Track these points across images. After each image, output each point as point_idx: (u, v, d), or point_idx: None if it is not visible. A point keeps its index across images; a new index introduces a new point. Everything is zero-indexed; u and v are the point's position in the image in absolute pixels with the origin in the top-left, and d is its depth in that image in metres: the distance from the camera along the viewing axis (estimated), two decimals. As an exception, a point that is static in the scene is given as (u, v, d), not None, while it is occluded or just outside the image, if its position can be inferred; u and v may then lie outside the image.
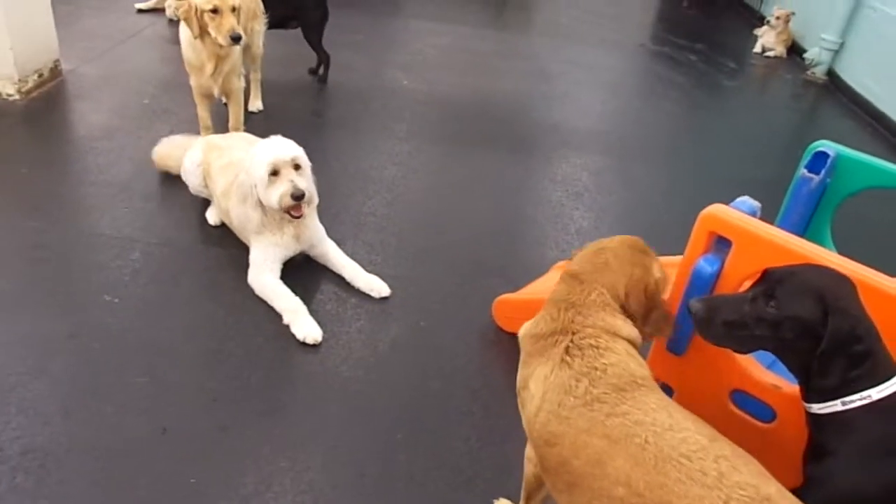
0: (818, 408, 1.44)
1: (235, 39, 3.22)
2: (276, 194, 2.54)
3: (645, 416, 1.38)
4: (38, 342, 2.34)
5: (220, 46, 3.25)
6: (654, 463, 1.31)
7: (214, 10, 3.16)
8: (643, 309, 1.66)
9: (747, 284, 1.78)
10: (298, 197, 2.53)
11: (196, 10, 3.15)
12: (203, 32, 3.21)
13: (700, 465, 1.29)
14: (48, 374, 2.23)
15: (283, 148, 2.59)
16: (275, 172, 2.54)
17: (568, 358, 1.50)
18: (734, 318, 1.49)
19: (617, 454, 1.34)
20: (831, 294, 1.42)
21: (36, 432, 2.02)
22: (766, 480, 1.28)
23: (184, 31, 3.37)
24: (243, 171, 2.63)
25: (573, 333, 1.54)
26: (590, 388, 1.44)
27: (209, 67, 3.37)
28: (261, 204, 2.60)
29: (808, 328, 1.41)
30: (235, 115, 3.67)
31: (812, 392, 1.45)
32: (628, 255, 1.74)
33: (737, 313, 1.49)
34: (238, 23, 3.24)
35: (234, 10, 3.21)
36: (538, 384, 1.51)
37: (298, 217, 2.61)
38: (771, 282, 1.49)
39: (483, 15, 7.20)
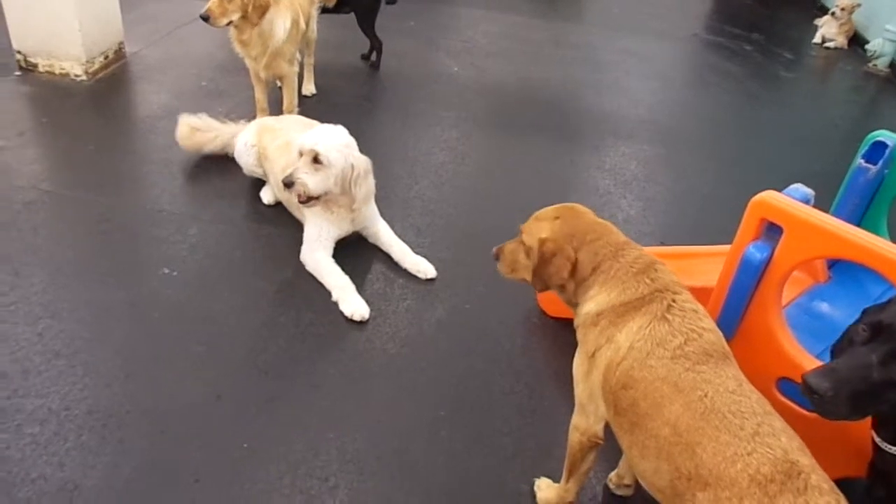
0: None
1: (203, 19, 3.24)
2: (282, 174, 2.64)
3: (716, 378, 1.47)
4: (102, 310, 2.46)
5: (243, 31, 3.35)
6: (703, 412, 1.41)
7: None
8: None
9: (795, 274, 1.77)
10: (287, 184, 2.59)
11: None
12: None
13: (741, 422, 1.38)
14: (111, 340, 2.34)
15: (314, 136, 2.63)
16: (301, 154, 2.61)
17: (669, 315, 1.58)
18: (863, 387, 1.31)
19: (677, 400, 1.45)
20: None
21: (100, 394, 2.13)
22: (800, 452, 1.33)
23: None
24: None
25: (674, 294, 1.63)
26: (683, 345, 1.53)
27: (237, 48, 3.48)
28: None
29: None
30: (289, 98, 3.75)
31: None
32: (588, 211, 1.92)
33: (865, 382, 1.31)
34: (247, 9, 3.27)
35: None
36: (628, 335, 1.59)
37: (300, 202, 2.67)
38: (894, 338, 1.33)
39: (534, 4, 7.16)
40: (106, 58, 4.18)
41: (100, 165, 3.31)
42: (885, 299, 2.12)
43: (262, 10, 3.31)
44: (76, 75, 4.02)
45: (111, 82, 4.11)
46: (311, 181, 2.59)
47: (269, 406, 2.18)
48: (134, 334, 2.38)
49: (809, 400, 1.34)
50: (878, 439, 1.45)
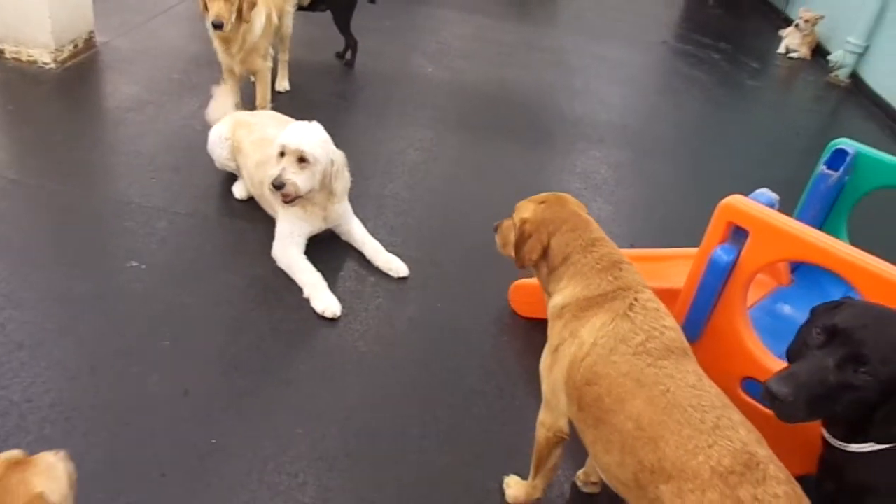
0: (864, 447, 1.42)
1: (216, 26, 3.25)
2: (268, 175, 2.60)
3: (677, 373, 1.51)
4: (67, 302, 2.42)
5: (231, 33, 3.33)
6: (665, 406, 1.45)
7: None
8: None
9: (760, 277, 1.82)
10: (277, 186, 2.56)
11: None
12: (204, 10, 3.28)
13: (702, 415, 1.41)
14: (76, 332, 2.30)
15: (297, 135, 2.61)
16: (282, 153, 2.59)
17: (631, 313, 1.62)
18: (820, 391, 1.36)
19: (639, 395, 1.49)
20: None
21: (63, 387, 2.10)
22: (759, 444, 1.37)
23: None
24: None
25: (637, 292, 1.67)
26: (645, 342, 1.57)
27: (217, 45, 3.46)
28: None
29: (892, 386, 1.35)
30: (262, 93, 3.72)
31: (859, 434, 1.42)
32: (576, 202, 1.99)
33: (823, 385, 1.36)
34: (243, 9, 3.27)
35: None
36: (591, 332, 1.63)
37: (285, 202, 2.64)
38: (850, 342, 1.37)
39: (508, 7, 7.21)
40: (75, 46, 4.10)
41: (68, 155, 3.25)
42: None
43: (253, 6, 3.34)
44: (44, 63, 3.94)
45: (80, 71, 4.04)
46: (300, 181, 2.58)
47: (237, 402, 2.16)
48: (100, 327, 2.34)
49: (770, 405, 1.40)
50: (828, 436, 1.51)
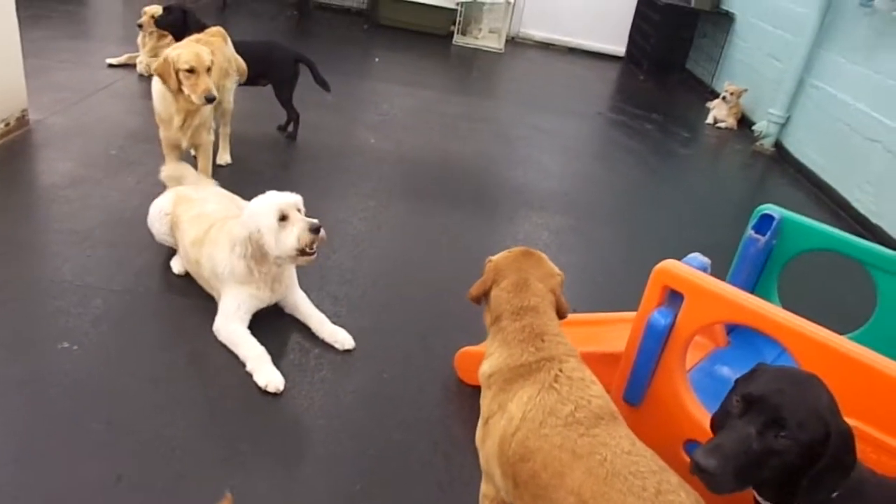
0: None
1: (209, 100, 3.31)
2: (293, 235, 2.56)
3: (610, 440, 1.51)
4: (-8, 388, 2.30)
5: (192, 103, 3.33)
6: (606, 476, 1.44)
7: (191, 70, 3.25)
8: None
9: (698, 339, 1.86)
10: (317, 229, 2.56)
11: (173, 66, 3.24)
12: (178, 89, 3.29)
13: (643, 482, 1.42)
14: (1, 417, 2.18)
15: (285, 195, 2.64)
16: (283, 218, 2.58)
17: (556, 385, 1.63)
18: (746, 460, 1.39)
19: (577, 467, 1.48)
20: (828, 409, 1.40)
21: (-15, 479, 1.97)
22: None
23: (156, 84, 3.43)
24: (237, 224, 2.66)
25: (560, 363, 1.68)
26: (574, 412, 1.57)
27: (177, 120, 3.44)
28: (253, 254, 2.63)
29: (815, 450, 1.38)
30: (203, 167, 3.71)
31: (789, 498, 1.43)
32: (544, 262, 1.97)
33: (747, 455, 1.39)
34: (211, 78, 3.33)
35: (209, 70, 3.30)
36: (519, 405, 1.62)
37: (313, 254, 2.62)
38: (767, 408, 1.40)
39: (449, 81, 7.45)
40: (7, 125, 4.03)
41: (-3, 234, 3.15)
42: (779, 362, 2.26)
43: (226, 76, 3.46)
44: (-27, 141, 3.86)
45: (12, 150, 3.95)
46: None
47: (175, 485, 2.07)
48: (27, 413, 2.23)
49: (700, 478, 1.41)
50: (760, 499, 1.52)
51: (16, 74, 4.10)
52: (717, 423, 1.52)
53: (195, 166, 3.73)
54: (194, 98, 3.29)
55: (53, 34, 6.12)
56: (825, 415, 1.40)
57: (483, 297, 1.94)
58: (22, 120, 4.17)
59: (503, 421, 1.64)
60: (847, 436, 1.40)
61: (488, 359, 1.80)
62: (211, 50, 3.44)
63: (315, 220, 2.59)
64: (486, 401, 1.75)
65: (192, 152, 3.81)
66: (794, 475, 1.40)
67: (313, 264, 2.75)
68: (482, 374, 1.79)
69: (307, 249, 2.60)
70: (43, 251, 3.12)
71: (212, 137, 3.74)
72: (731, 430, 1.43)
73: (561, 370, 1.66)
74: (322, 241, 2.62)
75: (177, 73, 3.25)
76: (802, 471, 1.39)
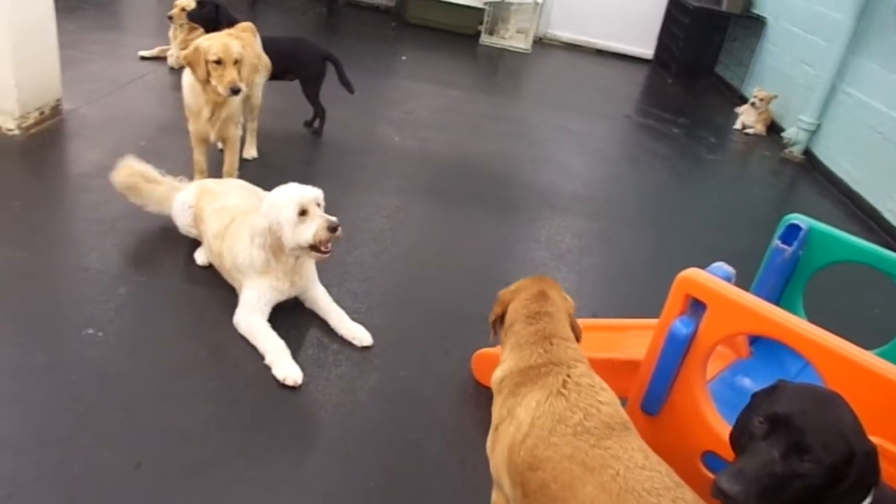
0: None
1: (234, 91, 3.34)
2: (310, 231, 2.58)
3: (623, 453, 1.48)
4: (17, 372, 2.34)
5: (219, 94, 3.36)
6: (619, 492, 1.41)
7: (218, 62, 3.28)
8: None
9: (720, 349, 1.84)
10: (335, 228, 2.59)
11: (203, 55, 3.27)
12: (207, 80, 3.32)
13: (658, 500, 1.39)
14: (24, 403, 2.22)
15: (306, 189, 2.66)
16: (303, 212, 2.60)
17: (565, 391, 1.60)
18: (768, 483, 1.37)
19: (589, 481, 1.44)
20: (852, 430, 1.39)
21: (7, 462, 2.01)
22: None
23: (186, 76, 3.48)
24: (258, 214, 2.68)
25: (569, 367, 1.66)
26: (583, 420, 1.54)
27: (206, 112, 3.48)
28: (272, 245, 2.65)
29: (839, 471, 1.36)
30: (230, 161, 3.74)
31: None
32: (559, 287, 1.96)
33: (771, 478, 1.37)
34: (240, 74, 3.36)
35: (236, 62, 3.33)
36: (528, 411, 1.60)
37: (328, 252, 2.65)
38: (792, 431, 1.38)
39: (475, 80, 7.44)
40: (41, 113, 4.10)
41: (26, 222, 3.20)
42: (802, 375, 2.23)
43: (255, 71, 3.47)
44: (8, 129, 3.92)
45: (45, 138, 4.02)
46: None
47: (192, 474, 2.09)
48: (50, 398, 2.26)
49: (723, 502, 1.38)
50: None
51: (52, 65, 4.17)
52: (738, 443, 1.50)
53: (222, 160, 3.77)
54: (220, 89, 3.32)
55: (88, 25, 6.21)
56: (849, 436, 1.37)
57: (499, 321, 1.92)
58: (56, 109, 4.24)
59: (512, 428, 1.62)
60: (871, 455, 1.37)
61: (501, 364, 1.79)
62: (241, 45, 3.47)
63: (334, 219, 2.61)
64: (496, 406, 1.73)
65: (220, 146, 3.85)
66: (816, 496, 1.38)
67: (326, 262, 2.78)
68: (493, 379, 1.78)
69: (322, 248, 2.62)
70: (71, 239, 3.17)
71: (239, 132, 3.77)
72: (754, 453, 1.40)
73: (569, 376, 1.64)
74: (338, 239, 2.64)
75: (206, 63, 3.29)
76: (825, 491, 1.37)
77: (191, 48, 3.35)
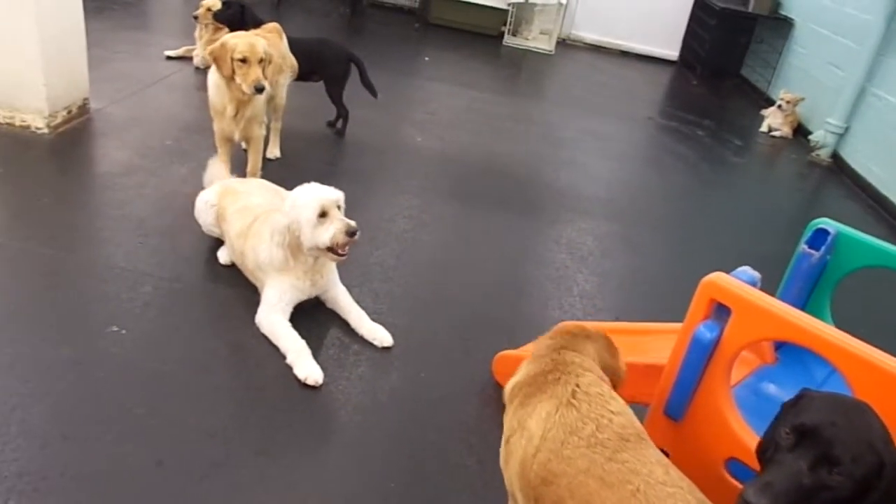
0: None
1: (259, 90, 3.36)
2: (328, 233, 2.60)
3: (642, 467, 1.43)
4: (43, 366, 2.37)
5: (244, 93, 3.38)
6: None
7: (243, 60, 3.31)
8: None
9: (744, 354, 1.81)
10: (353, 233, 2.61)
11: (230, 52, 3.30)
12: (231, 77, 3.35)
13: None
14: (50, 398, 2.25)
15: (328, 191, 2.68)
16: (323, 214, 2.61)
17: (575, 401, 1.56)
18: (796, 496, 1.34)
19: (608, 497, 1.40)
20: (881, 440, 1.36)
21: (33, 455, 2.03)
22: None
23: (212, 74, 3.50)
24: (279, 212, 2.69)
25: (577, 376, 1.62)
26: (596, 432, 1.49)
27: (230, 110, 3.50)
28: (290, 244, 2.66)
29: (868, 483, 1.34)
30: (254, 161, 3.77)
31: None
32: (603, 339, 1.87)
33: (798, 491, 1.35)
34: (265, 75, 3.38)
35: (261, 61, 3.35)
36: (539, 422, 1.56)
37: (344, 255, 2.67)
38: (819, 443, 1.36)
39: (497, 81, 7.42)
40: (69, 112, 4.16)
41: (54, 219, 3.25)
42: (829, 382, 2.19)
43: (279, 71, 3.53)
44: (37, 128, 3.98)
45: (73, 137, 4.08)
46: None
47: (212, 472, 2.10)
48: (75, 393, 2.29)
49: None
50: None
51: (80, 64, 4.23)
52: (765, 453, 1.47)
53: (246, 160, 3.80)
54: (245, 87, 3.34)
55: (115, 25, 6.30)
56: (878, 446, 1.34)
57: None
58: (83, 108, 4.30)
59: (523, 440, 1.58)
60: None
61: (514, 375, 1.77)
62: (268, 44, 3.49)
63: (353, 223, 2.62)
64: (507, 417, 1.70)
65: (244, 145, 3.87)
66: None
67: (342, 263, 2.80)
68: (505, 390, 1.75)
69: (339, 250, 2.63)
70: (97, 237, 3.21)
71: (263, 131, 3.79)
72: (781, 465, 1.38)
73: (578, 385, 1.60)
74: (355, 243, 2.66)
75: (231, 60, 3.32)
76: (852, 503, 1.34)
77: (217, 44, 3.37)
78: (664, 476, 1.42)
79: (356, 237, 2.63)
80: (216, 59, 3.36)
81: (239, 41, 3.34)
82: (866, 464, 1.33)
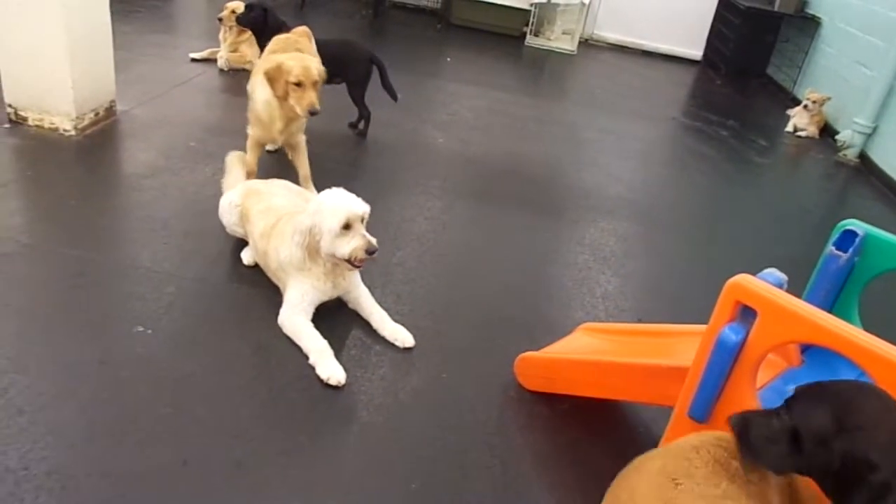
0: None
1: (313, 114, 3.40)
2: (349, 247, 2.61)
3: None
4: (70, 366, 2.41)
5: (295, 113, 3.42)
6: None
7: (298, 84, 3.33)
8: None
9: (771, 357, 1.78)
10: (372, 252, 2.62)
11: (285, 74, 3.33)
12: (284, 98, 3.38)
13: None
14: (77, 397, 2.28)
15: (356, 203, 2.66)
16: (347, 226, 2.62)
17: None
18: (764, 431, 1.43)
19: None
20: (845, 409, 1.34)
21: (61, 454, 2.06)
22: None
23: (261, 91, 3.49)
24: (305, 214, 2.70)
25: None
26: None
27: (279, 125, 3.54)
28: (309, 245, 2.67)
29: (824, 444, 1.32)
30: (304, 165, 3.78)
31: None
32: None
33: (766, 427, 1.44)
34: (317, 94, 3.40)
35: (315, 84, 3.37)
36: None
37: (360, 267, 2.69)
38: (795, 397, 1.46)
39: (519, 82, 7.41)
40: (96, 115, 4.22)
41: (81, 220, 3.30)
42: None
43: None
44: (65, 130, 4.05)
45: (100, 139, 4.14)
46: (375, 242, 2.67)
47: (236, 472, 2.12)
48: (101, 393, 2.32)
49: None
50: None
51: (107, 67, 4.29)
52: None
53: (267, 161, 3.81)
54: (299, 110, 3.38)
55: (141, 28, 6.38)
56: (839, 413, 1.37)
57: None
58: (110, 110, 4.37)
59: None
60: (868, 450, 1.29)
61: None
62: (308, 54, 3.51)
63: (374, 241, 2.62)
64: None
65: (268, 148, 3.89)
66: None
67: (355, 272, 2.82)
68: None
69: (355, 262, 2.65)
70: (123, 237, 3.25)
71: (304, 137, 3.81)
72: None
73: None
74: (373, 260, 2.68)
75: (286, 83, 3.34)
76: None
77: (274, 65, 3.37)
78: None
79: (375, 256, 2.64)
80: (271, 80, 3.38)
81: (294, 64, 3.35)
82: (814, 416, 1.37)
